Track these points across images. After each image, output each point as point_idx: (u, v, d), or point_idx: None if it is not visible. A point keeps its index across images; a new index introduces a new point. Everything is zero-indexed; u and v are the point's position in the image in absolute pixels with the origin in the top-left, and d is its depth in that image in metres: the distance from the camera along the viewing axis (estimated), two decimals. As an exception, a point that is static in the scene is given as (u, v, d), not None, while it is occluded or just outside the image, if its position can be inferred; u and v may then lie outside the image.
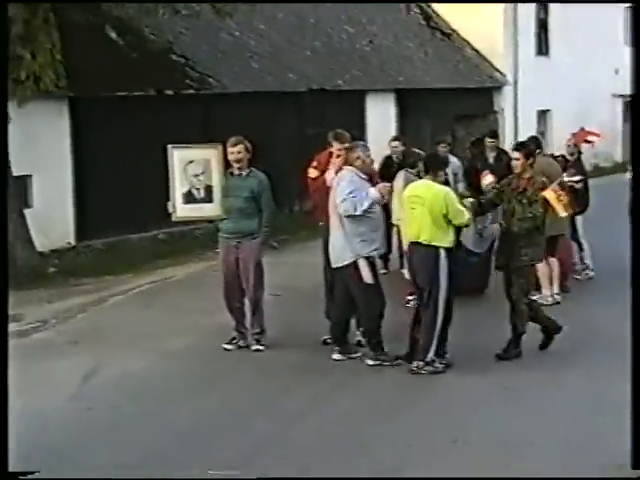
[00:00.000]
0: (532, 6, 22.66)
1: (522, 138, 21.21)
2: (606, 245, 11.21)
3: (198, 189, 8.20)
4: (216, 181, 8.16)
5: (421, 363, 7.39)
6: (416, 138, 16.02)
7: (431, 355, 7.41)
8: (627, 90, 25.53)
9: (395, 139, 11.75)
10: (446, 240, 7.42)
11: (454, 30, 21.67)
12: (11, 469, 5.16)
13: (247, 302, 8.38)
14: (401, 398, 7.05)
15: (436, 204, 7.38)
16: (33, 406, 6.85)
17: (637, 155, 8.71)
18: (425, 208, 7.39)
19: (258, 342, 8.28)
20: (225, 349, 8.27)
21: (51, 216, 12.87)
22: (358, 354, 7.90)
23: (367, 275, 7.54)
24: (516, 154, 8.07)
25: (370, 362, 7.69)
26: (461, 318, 7.83)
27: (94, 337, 8.90)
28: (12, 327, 9.32)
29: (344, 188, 7.50)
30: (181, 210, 8.24)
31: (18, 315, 9.87)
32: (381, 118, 17.92)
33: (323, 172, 8.17)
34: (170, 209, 8.26)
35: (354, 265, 7.55)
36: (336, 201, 7.55)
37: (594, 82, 24.03)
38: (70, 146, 13.24)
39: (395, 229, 10.16)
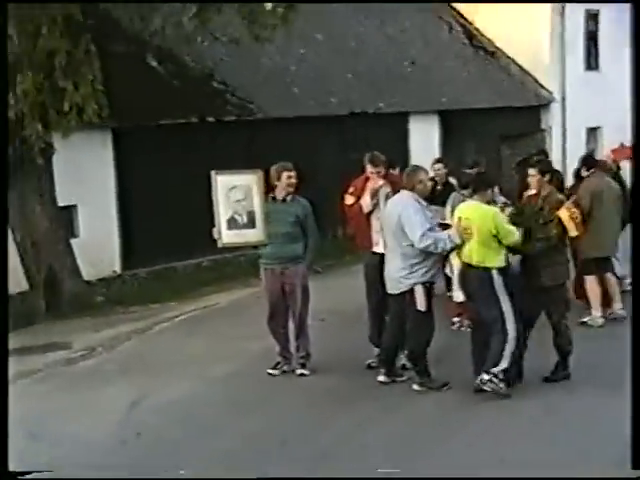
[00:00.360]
0: (580, 19, 22.16)
1: (571, 157, 21.20)
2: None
3: (241, 215, 8.17)
4: (257, 207, 8.13)
5: (485, 377, 7.17)
6: (461, 159, 15.85)
7: (498, 370, 7.17)
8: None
9: (437, 161, 11.52)
10: (497, 260, 7.29)
11: (498, 48, 21.46)
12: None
13: (291, 327, 8.33)
14: (446, 423, 6.90)
15: (484, 225, 7.28)
16: (82, 433, 6.93)
17: (638, 157, 8.52)
18: (475, 228, 7.28)
19: (303, 366, 8.21)
20: (270, 374, 8.22)
21: (97, 245, 12.97)
22: (404, 377, 7.77)
23: (422, 302, 7.40)
24: (532, 171, 7.87)
25: (416, 387, 7.56)
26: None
27: (140, 364, 8.94)
28: (60, 355, 9.55)
29: (416, 218, 7.30)
30: (226, 236, 8.22)
31: (66, 343, 10.00)
32: (425, 140, 17.80)
33: (359, 198, 8.08)
34: (215, 235, 8.24)
35: (411, 292, 7.41)
36: (407, 231, 7.29)
37: (645, 97, 23.57)
38: (114, 175, 13.35)
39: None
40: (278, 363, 8.29)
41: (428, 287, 7.46)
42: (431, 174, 11.17)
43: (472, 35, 21.41)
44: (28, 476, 5.39)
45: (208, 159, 13.68)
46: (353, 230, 8.54)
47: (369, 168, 8.07)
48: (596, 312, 9.47)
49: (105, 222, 13.25)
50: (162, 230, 13.55)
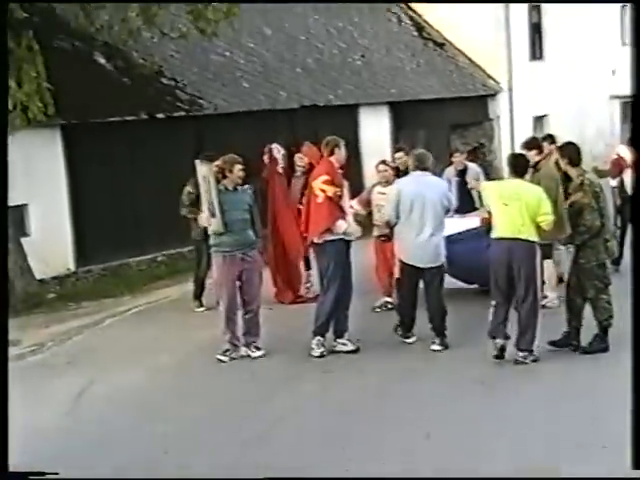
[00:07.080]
0: (524, 10, 22.59)
1: (519, 144, 21.49)
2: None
3: (211, 204, 8.37)
4: (214, 197, 8.34)
5: (527, 353, 7.69)
6: (412, 150, 16.02)
7: (535, 344, 7.72)
8: (625, 91, 25.54)
9: (398, 150, 11.61)
10: (537, 236, 7.74)
11: (447, 40, 21.76)
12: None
13: (244, 312, 8.53)
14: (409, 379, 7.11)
15: (533, 201, 7.68)
16: (31, 424, 6.97)
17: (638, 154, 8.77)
18: (522, 204, 7.65)
19: (258, 349, 8.50)
20: (219, 360, 8.40)
21: (50, 243, 12.95)
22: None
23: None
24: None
25: (436, 347, 8.32)
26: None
27: (88, 356, 9.05)
28: (10, 351, 9.46)
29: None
30: (212, 223, 8.40)
31: (16, 340, 9.97)
32: (375, 131, 17.97)
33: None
34: (206, 223, 8.51)
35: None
36: (443, 200, 8.38)
37: (591, 84, 23.95)
38: (65, 173, 13.35)
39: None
40: (227, 350, 8.46)
41: None
42: (394, 164, 11.39)
43: (421, 27, 21.66)
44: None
45: (159, 155, 13.86)
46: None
47: None
48: (552, 294, 9.54)
49: (57, 220, 13.21)
50: (115, 227, 13.58)
